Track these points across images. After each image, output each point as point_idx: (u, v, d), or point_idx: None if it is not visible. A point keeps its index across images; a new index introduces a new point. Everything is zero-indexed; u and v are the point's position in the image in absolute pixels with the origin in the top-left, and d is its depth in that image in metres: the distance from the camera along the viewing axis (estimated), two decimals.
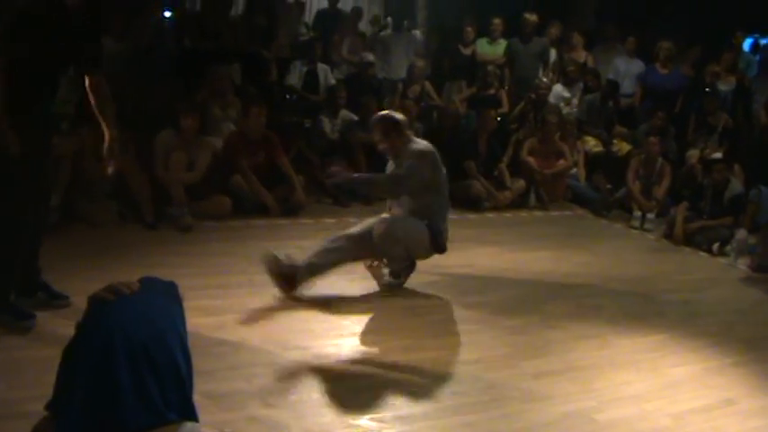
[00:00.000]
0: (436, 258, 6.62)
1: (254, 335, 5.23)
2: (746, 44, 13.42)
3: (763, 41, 13.34)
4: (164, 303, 2.00)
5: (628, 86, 12.44)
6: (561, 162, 10.81)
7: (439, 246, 6.34)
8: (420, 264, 6.54)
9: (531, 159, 10.63)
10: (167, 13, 10.83)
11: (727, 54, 12.17)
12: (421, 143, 6.47)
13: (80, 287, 2.23)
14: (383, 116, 6.58)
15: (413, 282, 6.56)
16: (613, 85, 12.01)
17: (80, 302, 2.00)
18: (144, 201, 7.81)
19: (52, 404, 1.93)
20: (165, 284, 2.08)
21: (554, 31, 12.94)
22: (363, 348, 5.24)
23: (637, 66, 12.49)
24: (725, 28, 13.26)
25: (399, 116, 6.57)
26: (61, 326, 4.64)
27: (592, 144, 11.64)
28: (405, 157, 6.27)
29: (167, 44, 10.24)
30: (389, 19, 14.71)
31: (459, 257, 6.98)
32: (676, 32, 13.36)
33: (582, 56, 13.08)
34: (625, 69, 12.51)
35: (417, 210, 6.30)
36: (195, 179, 8.24)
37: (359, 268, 6.87)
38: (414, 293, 6.36)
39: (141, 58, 9.55)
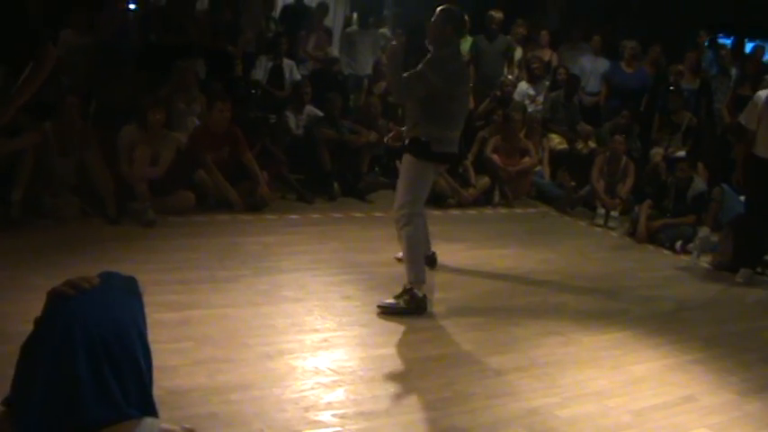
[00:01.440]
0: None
1: (217, 330, 5.20)
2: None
3: (721, 40, 13.45)
4: (123, 298, 1.99)
5: (593, 85, 12.52)
6: (526, 159, 10.84)
7: (432, 154, 6.12)
8: (384, 259, 6.53)
9: (495, 157, 10.65)
10: (132, 7, 10.75)
11: (690, 53, 12.27)
12: (447, 53, 6.29)
13: (42, 283, 2.21)
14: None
15: (377, 278, 6.56)
16: (575, 80, 12.04)
17: (40, 298, 1.98)
18: (107, 196, 7.75)
19: (10, 399, 1.91)
20: (124, 279, 2.07)
21: (519, 29, 12.97)
22: (326, 344, 5.23)
23: (602, 64, 12.56)
24: (687, 27, 13.38)
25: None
26: (20, 321, 4.59)
27: (556, 141, 11.69)
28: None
29: (132, 38, 10.18)
30: (355, 15, 14.71)
31: None
32: (640, 31, 13.47)
33: (547, 54, 13.14)
34: (591, 68, 12.58)
35: (410, 115, 6.34)
36: (159, 174, 8.18)
37: (321, 264, 6.89)
38: (378, 290, 6.35)
39: (105, 52, 9.51)
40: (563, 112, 11.84)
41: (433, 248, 7.17)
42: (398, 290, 6.01)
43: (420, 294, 5.97)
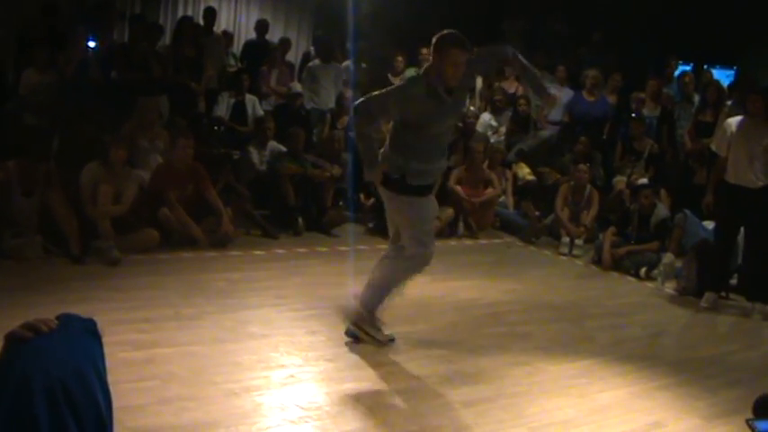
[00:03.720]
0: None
1: (183, 368, 5.17)
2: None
3: (682, 68, 13.61)
4: (82, 340, 1.98)
5: (555, 114, 12.60)
6: (489, 190, 10.90)
7: (407, 187, 5.79)
8: (347, 294, 6.49)
9: (459, 188, 10.70)
10: (92, 44, 10.73)
11: (652, 81, 12.40)
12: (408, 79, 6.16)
13: (3, 324, 2.19)
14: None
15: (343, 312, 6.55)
16: (570, 128, 12.19)
17: (0, 339, 1.96)
18: (70, 234, 7.70)
19: None
20: (83, 321, 2.06)
21: None
22: (292, 380, 5.21)
23: (566, 94, 12.66)
24: (650, 55, 13.53)
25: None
26: None
27: (526, 172, 11.75)
28: None
29: (93, 75, 10.15)
30: (312, 49, 14.76)
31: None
32: (602, 61, 13.61)
33: (513, 86, 13.22)
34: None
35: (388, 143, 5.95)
36: (122, 212, 8.15)
37: (287, 299, 6.87)
38: (344, 324, 6.33)
39: (67, 89, 9.48)
40: (550, 153, 11.95)
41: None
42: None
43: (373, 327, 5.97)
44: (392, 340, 6.06)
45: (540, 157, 11.99)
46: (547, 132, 12.29)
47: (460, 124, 11.55)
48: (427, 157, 5.82)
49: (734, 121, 8.25)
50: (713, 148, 8.47)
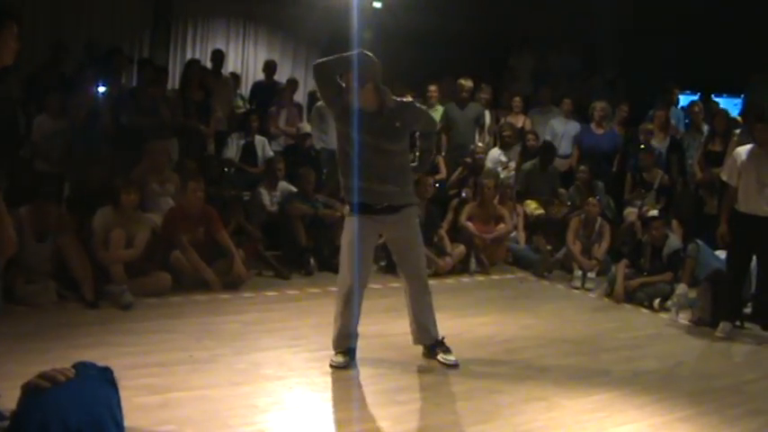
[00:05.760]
0: (379, 327, 6.66)
1: (198, 412, 5.15)
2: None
3: (690, 98, 13.64)
4: (99, 389, 1.98)
5: (565, 147, 12.62)
6: (501, 226, 10.88)
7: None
8: (363, 331, 6.48)
9: (470, 224, 10.69)
10: (102, 89, 10.78)
11: (659, 112, 12.40)
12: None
13: (19, 371, 2.19)
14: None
15: (358, 351, 6.51)
16: (551, 149, 12.13)
17: (18, 386, 1.96)
18: (83, 280, 7.71)
19: None
20: (99, 370, 2.06)
21: (484, 95, 13.06)
22: (307, 422, 5.19)
23: (573, 127, 12.68)
24: (656, 86, 13.56)
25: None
26: None
27: (533, 207, 11.74)
28: None
29: (103, 120, 10.20)
30: None
31: (402, 325, 6.97)
32: (610, 93, 13.65)
33: (521, 120, 13.25)
34: (563, 131, 12.70)
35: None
36: (134, 256, 8.17)
37: (301, 340, 6.85)
38: (356, 363, 6.31)
39: (78, 134, 9.54)
40: (540, 182, 11.91)
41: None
42: (378, 361, 5.99)
43: None
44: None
45: (539, 189, 11.95)
46: (529, 163, 12.22)
47: (469, 160, 11.57)
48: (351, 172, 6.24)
49: (743, 150, 8.25)
50: (723, 177, 8.48)
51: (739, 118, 12.14)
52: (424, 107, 6.70)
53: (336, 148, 6.37)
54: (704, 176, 11.24)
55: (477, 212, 10.87)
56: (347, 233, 6.33)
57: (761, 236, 7.94)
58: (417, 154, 6.67)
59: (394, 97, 6.27)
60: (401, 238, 6.49)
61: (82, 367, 2.01)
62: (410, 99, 6.70)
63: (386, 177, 6.21)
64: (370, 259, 6.61)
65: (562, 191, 11.92)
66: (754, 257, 8.23)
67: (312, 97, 14.20)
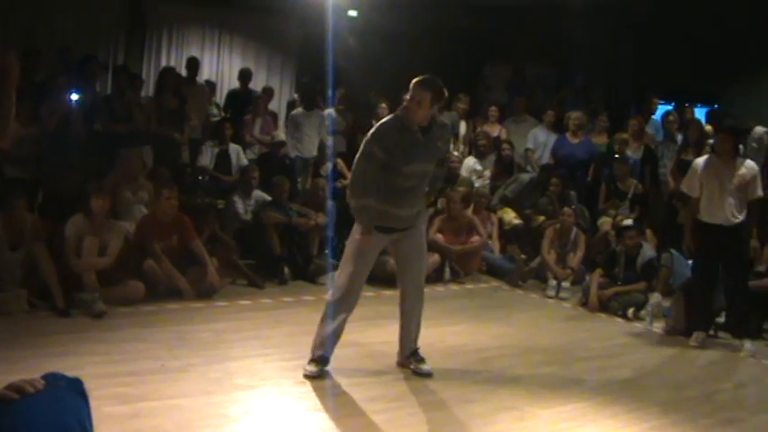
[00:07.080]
0: (354, 336, 6.64)
1: (170, 422, 5.11)
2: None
3: (665, 108, 13.70)
4: (68, 400, 1.96)
5: (546, 157, 12.68)
6: (475, 238, 10.85)
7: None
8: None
9: (440, 236, 10.63)
10: (75, 96, 10.71)
11: (633, 121, 12.43)
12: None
13: None
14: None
15: (332, 360, 6.49)
16: (550, 169, 12.21)
17: None
18: (55, 287, 7.65)
19: None
20: (69, 381, 2.03)
21: (461, 104, 13.11)
22: (279, 431, 5.17)
23: (553, 137, 12.74)
24: (632, 96, 13.64)
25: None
26: None
27: (512, 216, 11.76)
28: None
29: (76, 127, 10.14)
30: (296, 96, 14.83)
31: (376, 334, 6.95)
32: (585, 103, 13.70)
33: (496, 129, 13.30)
34: (545, 140, 12.77)
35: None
36: (107, 264, 8.11)
37: (274, 349, 6.83)
38: (329, 373, 6.29)
39: (50, 142, 9.47)
40: (533, 197, 11.96)
41: (386, 328, 7.16)
42: (352, 371, 5.98)
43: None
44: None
45: (524, 201, 11.99)
46: (527, 176, 12.30)
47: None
48: (389, 199, 6.15)
49: (701, 160, 8.34)
50: (684, 189, 8.50)
51: (709, 127, 12.18)
52: None
53: (377, 175, 6.09)
54: (677, 186, 11.28)
55: (447, 225, 10.84)
56: (360, 247, 6.24)
57: (726, 245, 7.99)
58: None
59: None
60: (410, 250, 6.53)
61: (51, 378, 1.99)
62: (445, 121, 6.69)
63: (416, 203, 6.32)
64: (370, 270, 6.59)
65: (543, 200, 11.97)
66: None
67: (291, 105, 14.24)
